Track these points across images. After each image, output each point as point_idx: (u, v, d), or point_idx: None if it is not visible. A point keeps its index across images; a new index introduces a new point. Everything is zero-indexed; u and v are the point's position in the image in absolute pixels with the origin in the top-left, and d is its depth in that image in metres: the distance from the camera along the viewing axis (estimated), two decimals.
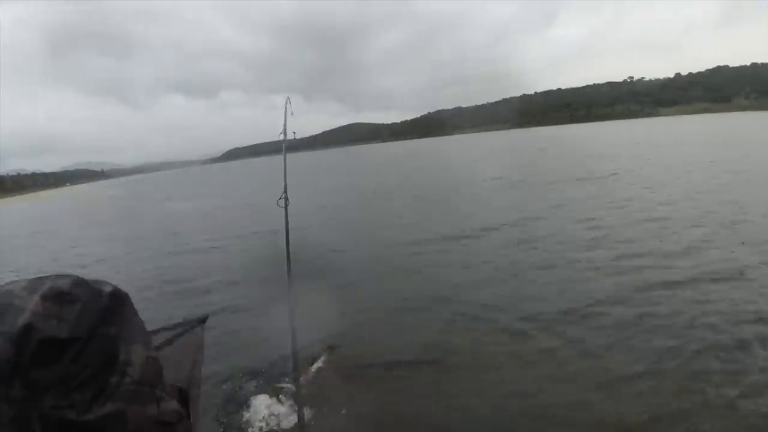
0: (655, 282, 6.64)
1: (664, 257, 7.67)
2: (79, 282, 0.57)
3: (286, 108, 3.19)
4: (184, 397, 0.64)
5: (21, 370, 0.50)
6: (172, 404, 0.61)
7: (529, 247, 9.36)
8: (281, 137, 3.14)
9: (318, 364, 5.20)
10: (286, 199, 2.87)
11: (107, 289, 0.59)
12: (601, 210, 12.11)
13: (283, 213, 2.92)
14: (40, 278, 0.57)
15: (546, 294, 6.70)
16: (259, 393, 4.69)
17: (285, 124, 3.15)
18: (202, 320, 1.13)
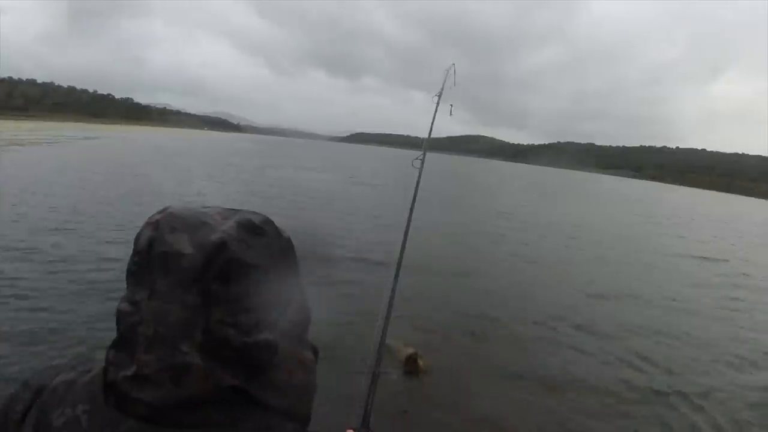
0: None
1: None
2: (268, 221, 0.64)
3: (437, 106, 3.01)
4: (315, 354, 0.71)
5: (203, 280, 0.55)
6: (311, 354, 0.68)
7: None
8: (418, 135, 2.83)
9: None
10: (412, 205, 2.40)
11: (286, 234, 0.66)
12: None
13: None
14: (233, 209, 0.65)
15: None
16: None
17: (432, 123, 2.99)
18: None
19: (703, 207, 57.74)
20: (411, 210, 2.41)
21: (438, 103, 2.89)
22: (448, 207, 21.35)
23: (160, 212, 0.62)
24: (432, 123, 2.89)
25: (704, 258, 15.46)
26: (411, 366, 5.18)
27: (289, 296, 0.64)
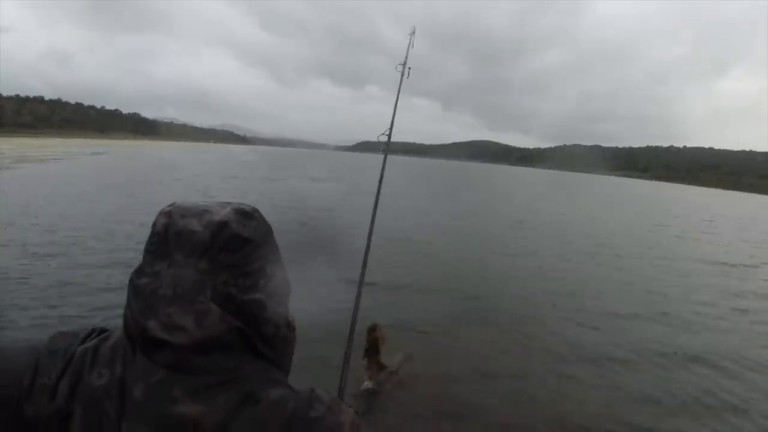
0: None
1: None
2: (256, 209, 0.82)
3: (396, 101, 3.12)
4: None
5: (211, 251, 0.71)
6: (292, 317, 0.85)
7: None
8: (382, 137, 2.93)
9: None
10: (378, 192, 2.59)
11: (268, 223, 0.83)
12: None
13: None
14: (227, 202, 0.81)
15: None
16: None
17: (392, 122, 3.03)
18: None
19: (716, 207, 56.81)
20: (377, 196, 2.48)
21: (403, 72, 2.97)
22: (458, 213, 21.24)
23: (169, 205, 0.78)
24: (398, 91, 2.95)
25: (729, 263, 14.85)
26: (371, 337, 4.97)
27: (274, 268, 0.79)
